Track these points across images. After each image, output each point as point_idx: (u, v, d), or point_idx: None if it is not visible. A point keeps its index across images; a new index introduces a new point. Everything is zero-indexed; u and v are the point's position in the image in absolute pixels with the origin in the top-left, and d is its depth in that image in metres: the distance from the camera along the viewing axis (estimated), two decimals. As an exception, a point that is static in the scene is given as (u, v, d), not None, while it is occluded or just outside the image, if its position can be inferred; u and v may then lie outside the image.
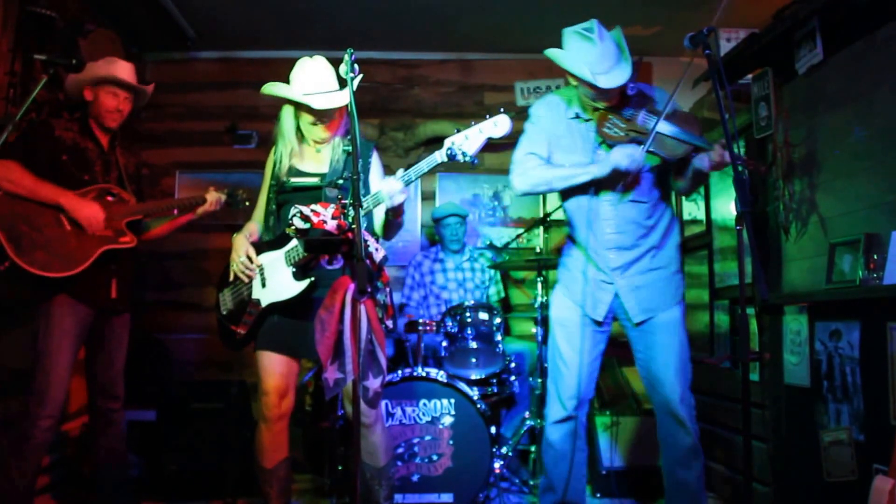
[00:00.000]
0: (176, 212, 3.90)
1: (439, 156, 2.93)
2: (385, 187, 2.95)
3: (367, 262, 2.83)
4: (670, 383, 3.34)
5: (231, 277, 3.29)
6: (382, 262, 3.00)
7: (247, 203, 3.87)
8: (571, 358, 3.47)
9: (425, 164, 2.95)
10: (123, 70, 3.77)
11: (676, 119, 3.26)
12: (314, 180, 3.21)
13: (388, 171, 3.35)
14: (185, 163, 6.07)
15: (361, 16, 5.40)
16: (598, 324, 3.48)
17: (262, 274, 3.21)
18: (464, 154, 2.89)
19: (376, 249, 2.92)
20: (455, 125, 5.83)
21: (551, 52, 3.33)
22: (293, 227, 2.79)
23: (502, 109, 2.98)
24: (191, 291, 5.95)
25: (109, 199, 3.69)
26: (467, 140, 2.90)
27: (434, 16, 5.44)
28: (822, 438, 3.47)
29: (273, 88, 3.19)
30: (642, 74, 5.79)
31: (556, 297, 3.63)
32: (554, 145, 3.49)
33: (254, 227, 3.36)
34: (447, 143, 2.93)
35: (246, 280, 3.23)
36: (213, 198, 3.85)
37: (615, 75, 3.19)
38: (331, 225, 2.71)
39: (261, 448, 3.24)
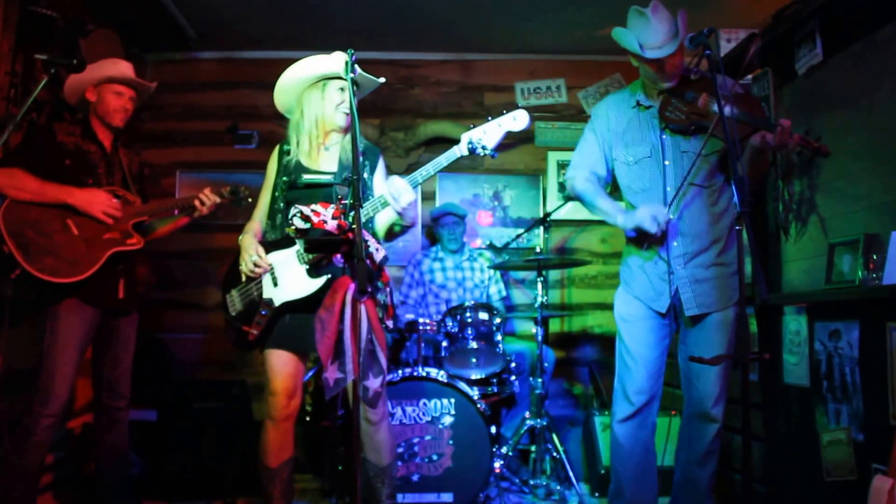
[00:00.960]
0: (176, 212, 3.90)
1: (458, 150, 2.99)
2: (391, 187, 2.98)
3: (368, 262, 2.83)
4: (711, 381, 3.32)
5: (243, 279, 3.26)
6: (383, 262, 3.00)
7: (249, 199, 3.85)
8: (637, 351, 3.42)
9: (444, 159, 3.00)
10: (126, 69, 3.79)
11: (739, 102, 3.24)
12: (327, 178, 3.21)
13: (390, 171, 3.36)
14: (186, 163, 6.06)
15: (362, 16, 5.40)
16: (662, 316, 3.42)
17: (272, 273, 3.19)
18: (484, 148, 2.96)
19: (377, 249, 2.92)
20: (456, 125, 5.93)
21: (615, 32, 3.33)
22: (293, 227, 2.79)
23: (520, 105, 3.02)
24: (192, 291, 5.95)
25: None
26: (486, 134, 2.97)
27: (435, 16, 5.44)
28: (821, 438, 3.48)
29: (314, 63, 3.24)
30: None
31: (619, 296, 3.59)
32: (616, 142, 3.51)
33: (256, 226, 3.35)
34: (465, 138, 2.99)
35: (256, 278, 3.22)
36: (209, 201, 3.80)
37: (664, 49, 3.21)
38: (331, 225, 2.72)
39: (266, 447, 3.22)
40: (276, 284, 3.18)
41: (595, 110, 3.63)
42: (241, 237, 3.30)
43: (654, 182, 3.39)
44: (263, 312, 3.18)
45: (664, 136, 3.39)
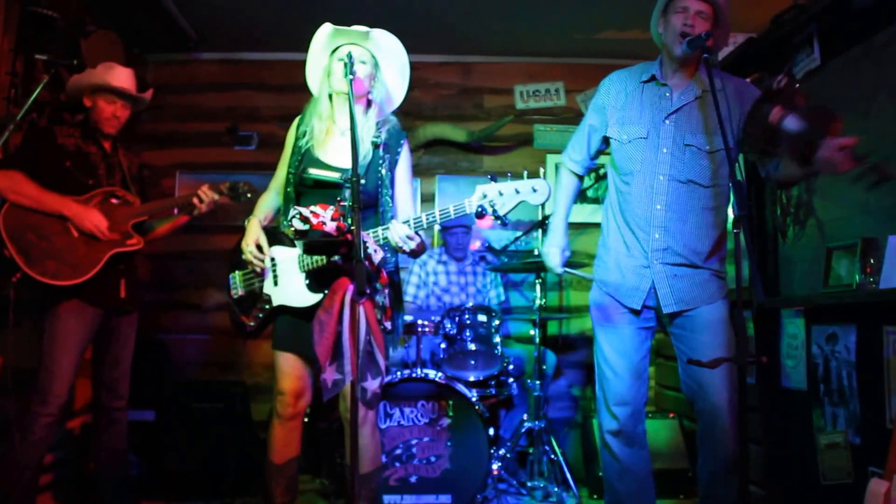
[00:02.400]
0: (176, 211, 3.90)
1: (469, 206, 2.77)
2: (392, 233, 2.85)
3: (366, 263, 2.82)
4: (717, 388, 3.04)
5: (248, 266, 3.18)
6: (381, 264, 2.98)
7: (248, 195, 3.85)
8: (614, 361, 3.22)
9: (452, 211, 2.81)
10: (120, 77, 3.77)
11: (810, 117, 2.92)
12: (336, 175, 3.06)
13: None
14: (186, 163, 6.08)
15: (362, 18, 5.39)
16: (637, 314, 3.19)
17: (274, 269, 3.13)
18: (495, 212, 2.73)
19: (375, 251, 2.91)
20: (455, 127, 5.94)
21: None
22: (292, 229, 2.78)
23: (544, 174, 2.84)
24: (191, 292, 5.96)
25: (114, 201, 3.71)
26: (501, 197, 2.73)
27: (434, 18, 5.45)
28: (818, 441, 3.49)
29: (318, 40, 3.24)
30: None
31: (593, 291, 3.35)
32: (612, 119, 3.27)
33: (266, 206, 3.27)
34: (479, 191, 2.75)
35: (259, 271, 3.15)
36: (207, 198, 3.80)
37: None
38: (330, 226, 2.70)
39: (272, 443, 3.19)
40: (276, 283, 3.13)
41: (601, 85, 3.40)
42: (248, 219, 3.22)
43: (647, 166, 3.14)
44: (261, 307, 3.15)
45: (667, 122, 3.14)
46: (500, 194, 2.73)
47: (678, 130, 3.13)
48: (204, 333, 5.89)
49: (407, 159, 3.24)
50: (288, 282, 3.11)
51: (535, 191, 2.74)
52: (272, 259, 3.14)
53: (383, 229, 2.89)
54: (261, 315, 3.16)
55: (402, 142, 3.23)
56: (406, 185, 3.23)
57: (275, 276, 3.14)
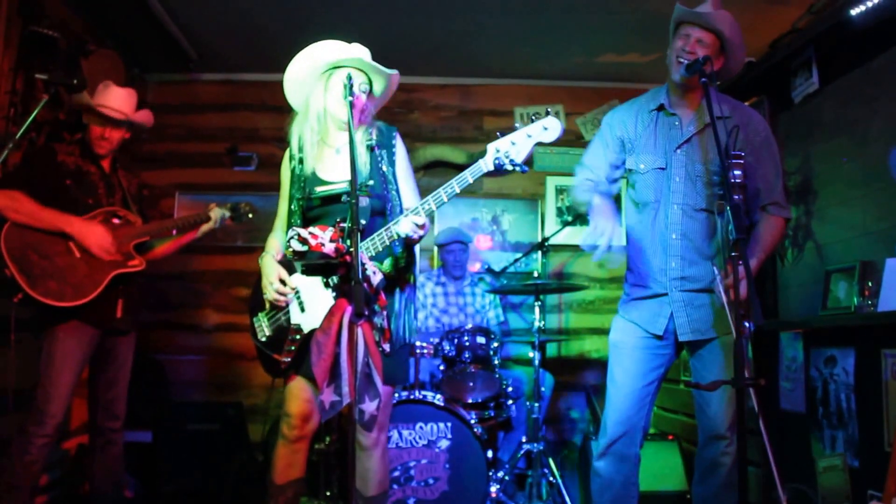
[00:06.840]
0: (175, 232, 3.88)
1: (485, 164, 2.74)
2: (404, 225, 2.79)
3: (365, 285, 2.80)
4: (718, 409, 3.09)
5: (267, 304, 3.10)
6: (380, 286, 2.97)
7: (250, 216, 3.85)
8: (623, 381, 3.23)
9: (470, 175, 2.76)
10: (114, 98, 3.73)
11: None
12: (342, 187, 3.00)
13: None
14: (185, 184, 6.08)
15: (362, 39, 5.41)
16: (659, 338, 3.20)
17: (298, 298, 3.03)
18: (512, 162, 2.71)
19: (374, 273, 2.90)
20: (455, 149, 5.95)
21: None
22: (291, 250, 2.76)
23: (549, 110, 2.81)
24: (187, 312, 5.95)
25: (116, 221, 3.69)
26: (514, 146, 2.72)
27: (435, 41, 5.48)
28: (817, 464, 3.47)
29: (320, 51, 3.15)
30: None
31: (615, 322, 3.38)
32: (629, 149, 3.28)
33: (276, 243, 3.15)
34: (492, 149, 2.74)
35: (282, 306, 3.06)
36: (217, 215, 3.81)
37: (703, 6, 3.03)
38: (329, 248, 2.69)
39: (275, 464, 3.14)
40: (303, 310, 3.03)
41: (605, 118, 3.39)
42: (261, 257, 3.11)
43: (662, 196, 3.18)
44: (293, 339, 3.04)
45: (678, 152, 3.17)
46: (513, 144, 2.73)
47: (689, 160, 3.16)
48: (201, 354, 5.88)
49: (403, 150, 3.20)
50: (316, 304, 2.99)
51: (546, 129, 2.75)
52: (294, 289, 3.03)
53: (394, 224, 2.84)
54: (293, 347, 3.03)
55: (394, 135, 3.18)
56: (408, 176, 3.18)
57: (300, 304, 3.04)
